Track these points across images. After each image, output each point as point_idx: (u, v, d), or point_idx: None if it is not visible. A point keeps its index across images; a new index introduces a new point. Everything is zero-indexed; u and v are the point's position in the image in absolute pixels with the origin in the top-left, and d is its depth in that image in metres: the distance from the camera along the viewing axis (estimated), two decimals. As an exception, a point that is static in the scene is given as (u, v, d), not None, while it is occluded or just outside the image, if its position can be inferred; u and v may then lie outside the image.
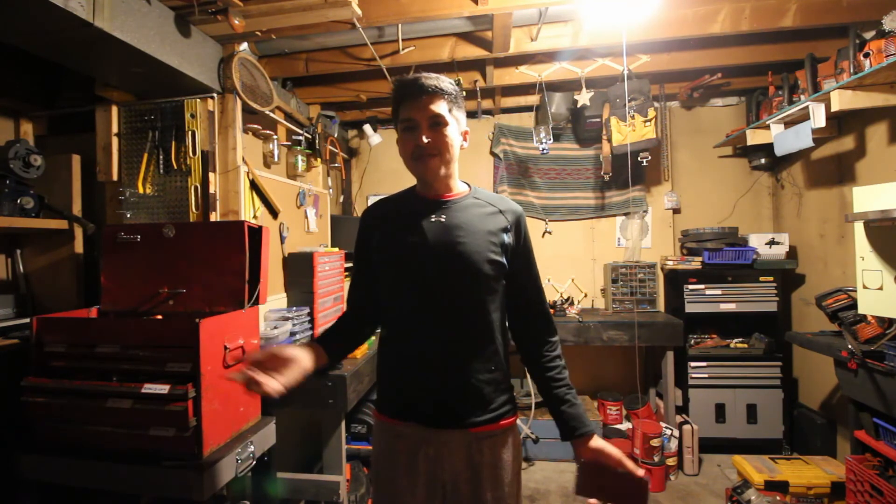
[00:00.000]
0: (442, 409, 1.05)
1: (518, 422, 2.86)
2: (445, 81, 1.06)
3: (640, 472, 0.98)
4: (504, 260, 1.08)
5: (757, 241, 3.01)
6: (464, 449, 1.05)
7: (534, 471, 2.85)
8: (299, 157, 2.71)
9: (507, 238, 1.09)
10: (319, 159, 2.93)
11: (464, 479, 1.05)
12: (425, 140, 1.03)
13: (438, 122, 1.04)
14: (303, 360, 0.97)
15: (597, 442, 1.04)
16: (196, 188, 1.97)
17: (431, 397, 1.05)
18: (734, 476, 2.53)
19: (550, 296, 3.47)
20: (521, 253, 1.12)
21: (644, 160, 2.97)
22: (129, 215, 2.01)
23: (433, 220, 1.07)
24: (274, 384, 0.89)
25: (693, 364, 2.95)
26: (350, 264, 1.92)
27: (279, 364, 0.93)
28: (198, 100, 1.98)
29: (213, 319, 1.47)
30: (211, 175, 1.99)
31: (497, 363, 1.08)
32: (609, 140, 3.00)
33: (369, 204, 1.91)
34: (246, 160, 2.12)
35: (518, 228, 1.12)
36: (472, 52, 2.47)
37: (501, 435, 1.08)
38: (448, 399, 1.05)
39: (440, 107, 1.04)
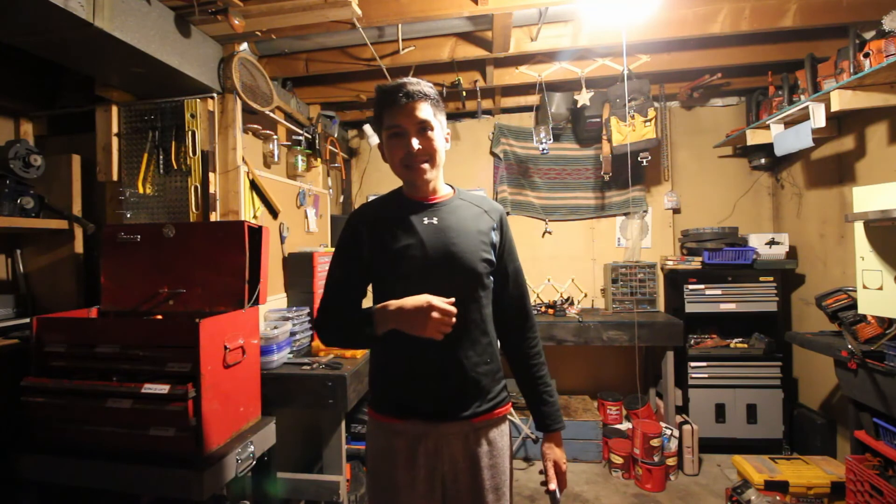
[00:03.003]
0: (443, 404, 1.07)
1: (518, 421, 2.90)
2: (427, 85, 1.07)
3: (552, 485, 1.13)
4: (493, 257, 1.13)
5: (757, 241, 3.01)
6: (461, 440, 1.08)
7: (533, 471, 2.85)
8: (299, 157, 2.71)
9: (495, 237, 1.15)
10: (319, 159, 2.93)
11: (462, 469, 1.08)
12: (416, 146, 1.05)
13: (426, 128, 1.06)
14: None
15: (549, 444, 1.17)
16: (196, 188, 1.97)
17: (433, 394, 1.07)
18: (734, 476, 2.53)
19: (550, 296, 3.48)
20: (505, 250, 1.18)
21: (644, 160, 2.98)
22: (129, 215, 2.01)
23: (426, 222, 1.10)
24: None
25: (693, 364, 2.95)
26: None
27: None
28: (198, 100, 1.98)
29: (213, 319, 1.48)
30: (211, 175, 1.99)
31: (491, 355, 1.13)
32: (609, 140, 3.00)
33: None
34: (246, 160, 2.12)
35: (502, 226, 1.18)
36: (472, 52, 2.47)
37: (497, 422, 1.13)
38: (449, 394, 1.07)
39: (426, 112, 1.06)
